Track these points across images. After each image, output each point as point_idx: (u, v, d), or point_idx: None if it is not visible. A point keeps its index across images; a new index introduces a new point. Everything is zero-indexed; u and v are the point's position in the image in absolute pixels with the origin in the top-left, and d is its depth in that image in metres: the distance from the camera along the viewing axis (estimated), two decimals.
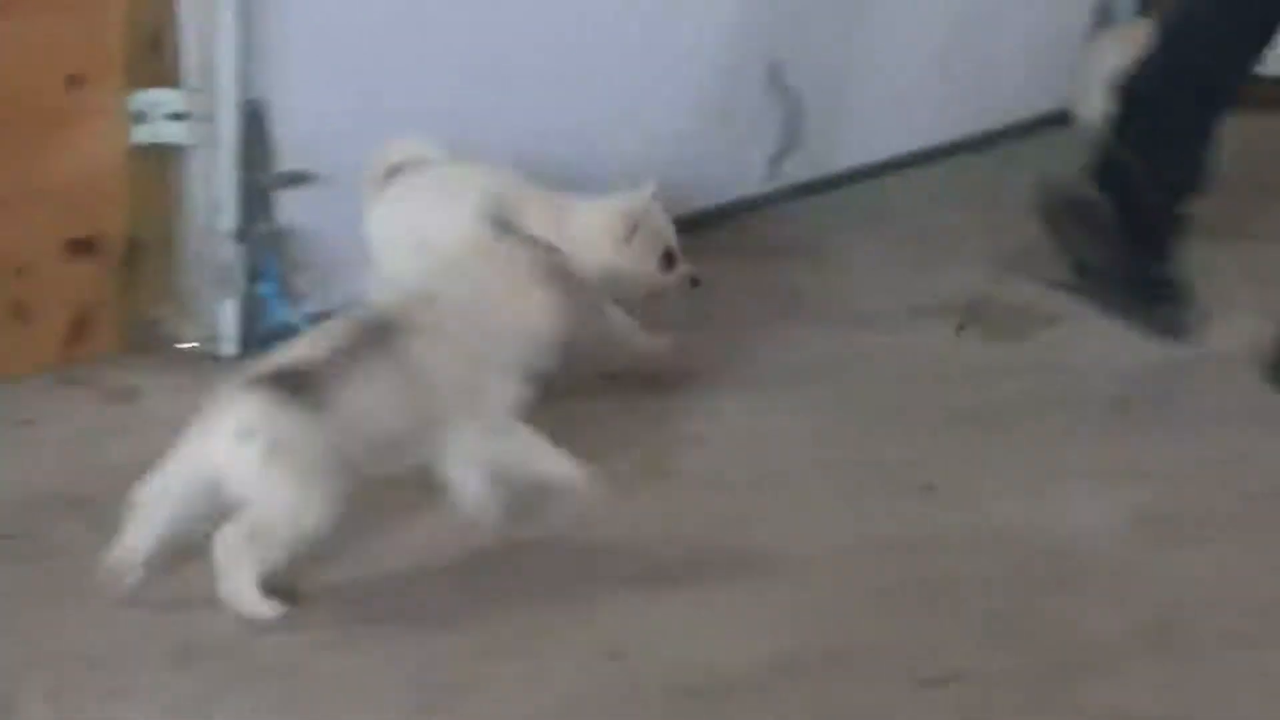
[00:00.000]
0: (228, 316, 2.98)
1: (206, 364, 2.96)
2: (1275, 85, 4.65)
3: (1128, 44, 4.75)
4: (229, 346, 2.98)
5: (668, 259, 2.74)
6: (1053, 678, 2.00)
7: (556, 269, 2.33)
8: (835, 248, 3.60)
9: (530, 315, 2.28)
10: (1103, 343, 3.06)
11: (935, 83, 4.38)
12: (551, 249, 2.38)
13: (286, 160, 3.06)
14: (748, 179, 3.80)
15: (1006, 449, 2.61)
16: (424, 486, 2.27)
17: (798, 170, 3.87)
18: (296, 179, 3.05)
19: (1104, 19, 4.89)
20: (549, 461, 2.27)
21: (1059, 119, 4.67)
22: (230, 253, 2.98)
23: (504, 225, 2.55)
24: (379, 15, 3.17)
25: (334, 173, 3.08)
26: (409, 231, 2.77)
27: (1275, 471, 2.52)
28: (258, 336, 2.99)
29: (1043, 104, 4.66)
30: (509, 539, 2.29)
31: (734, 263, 3.53)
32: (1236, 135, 4.57)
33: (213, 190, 2.97)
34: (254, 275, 3.00)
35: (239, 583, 2.09)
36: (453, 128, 3.30)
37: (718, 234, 3.69)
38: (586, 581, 2.22)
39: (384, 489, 2.25)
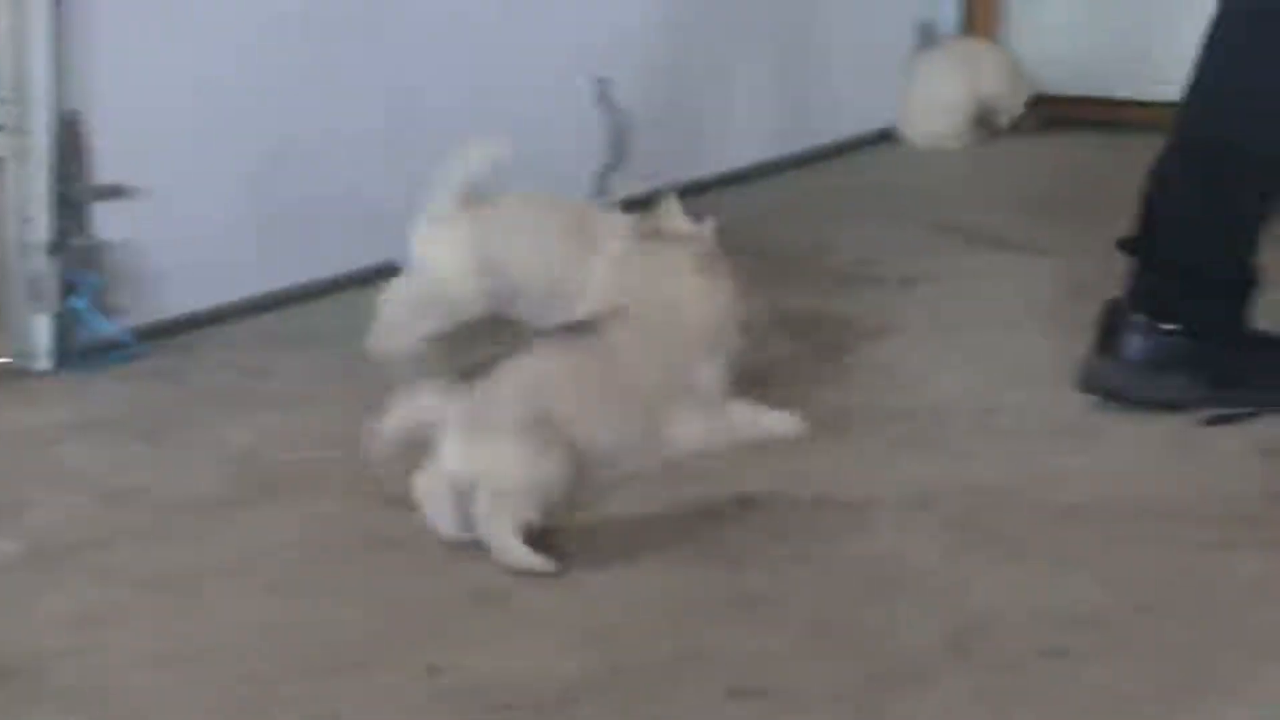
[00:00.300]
0: (41, 331, 2.93)
1: (20, 379, 2.91)
2: (1108, 106, 4.78)
3: (952, 65, 4.85)
4: (43, 361, 2.93)
5: None
6: (867, 689, 2.00)
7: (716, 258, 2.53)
8: None
9: (716, 304, 2.49)
10: (927, 358, 3.10)
11: (764, 100, 4.42)
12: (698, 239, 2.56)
13: (104, 173, 3.02)
14: (574, 195, 3.80)
15: (830, 462, 2.63)
16: None
17: (625, 186, 3.88)
18: (113, 192, 3.00)
19: (927, 40, 4.96)
20: (767, 420, 2.47)
21: (886, 137, 4.74)
22: (43, 266, 2.92)
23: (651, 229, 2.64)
24: (199, 28, 3.13)
25: (153, 186, 3.04)
26: (482, 259, 2.86)
27: (1087, 486, 2.55)
28: (73, 351, 2.94)
29: (871, 122, 4.73)
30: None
31: None
32: (1065, 154, 4.70)
33: (26, 203, 2.92)
34: (69, 289, 2.95)
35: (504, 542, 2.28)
36: (272, 143, 3.28)
37: None
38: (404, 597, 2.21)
39: None
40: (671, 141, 4.03)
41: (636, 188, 3.66)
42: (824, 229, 3.92)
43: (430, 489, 2.32)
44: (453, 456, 2.28)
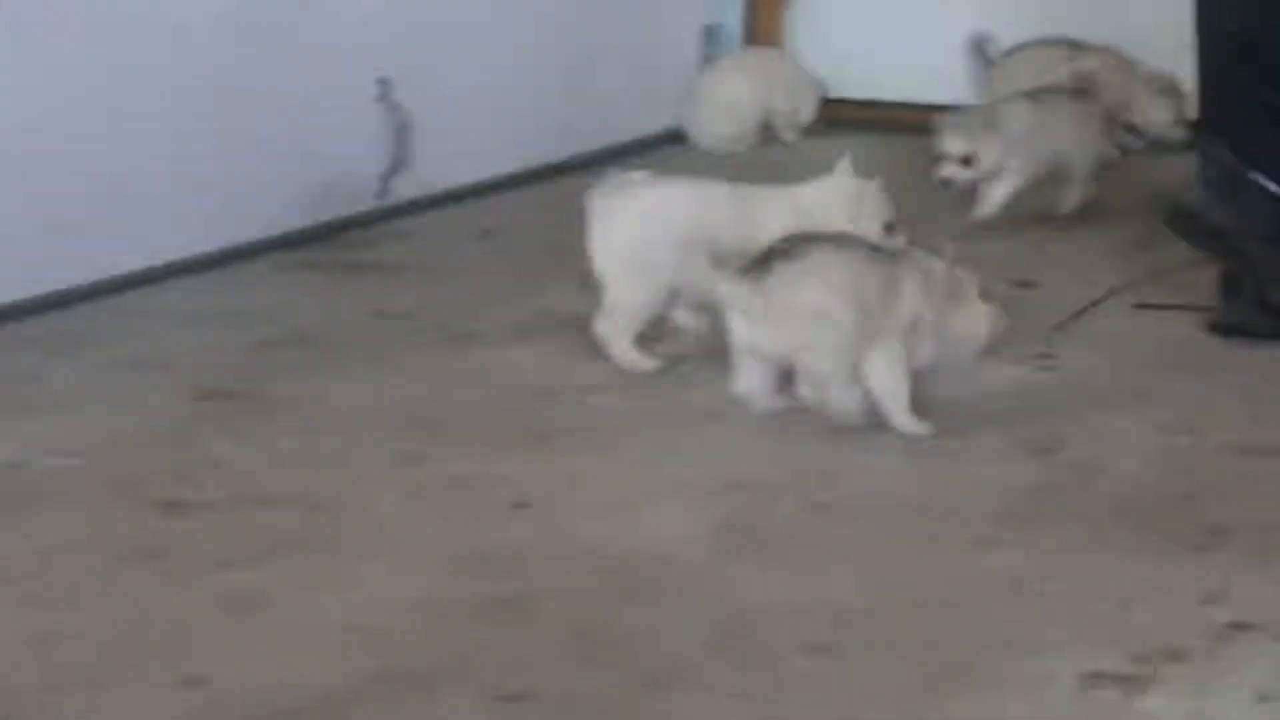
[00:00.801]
0: None
1: None
2: (886, 109, 4.85)
3: (740, 68, 4.90)
4: None
5: (888, 228, 3.07)
6: (632, 690, 2.01)
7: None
8: (445, 265, 3.59)
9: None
10: (705, 360, 3.11)
11: (550, 101, 4.42)
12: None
13: None
14: (358, 196, 3.77)
15: (604, 465, 2.63)
16: None
17: (408, 188, 3.86)
18: None
19: (712, 43, 5.00)
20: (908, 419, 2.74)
21: (674, 138, 4.76)
22: None
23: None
24: None
25: None
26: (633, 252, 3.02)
27: (856, 484, 2.58)
28: None
29: (657, 124, 4.74)
30: None
31: (340, 280, 3.50)
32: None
33: None
34: None
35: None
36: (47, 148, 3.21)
37: (326, 252, 3.66)
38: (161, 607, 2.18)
39: None
40: (456, 143, 4.01)
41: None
42: None
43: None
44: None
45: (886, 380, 2.74)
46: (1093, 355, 3.11)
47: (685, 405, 2.88)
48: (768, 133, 4.85)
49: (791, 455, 2.68)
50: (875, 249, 2.84)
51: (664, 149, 4.70)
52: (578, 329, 3.18)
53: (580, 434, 2.74)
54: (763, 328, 2.72)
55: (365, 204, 3.79)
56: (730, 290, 2.72)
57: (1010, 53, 4.69)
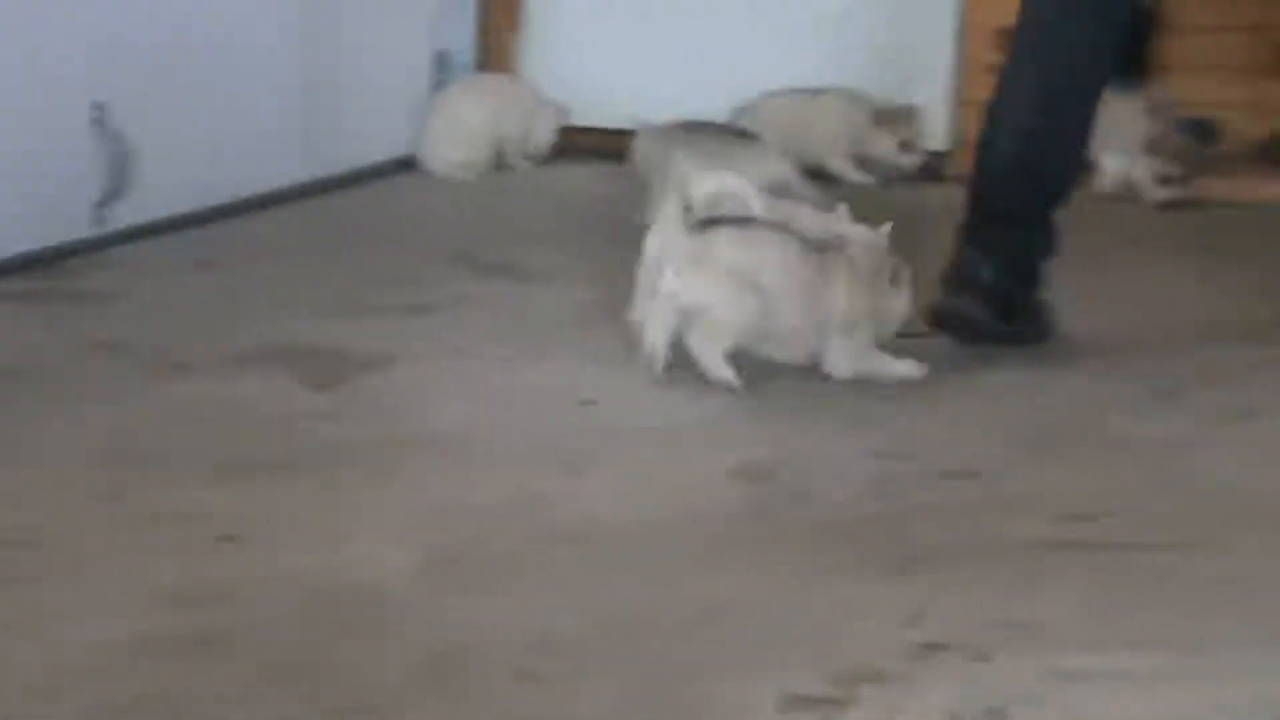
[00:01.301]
0: None
1: None
2: (614, 137, 4.88)
3: (473, 95, 4.89)
4: None
5: None
6: None
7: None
8: (162, 294, 3.53)
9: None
10: (428, 386, 3.10)
11: (278, 127, 4.37)
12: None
13: None
14: (73, 223, 3.68)
15: (316, 495, 2.60)
16: None
17: (127, 214, 3.78)
18: None
19: (444, 69, 5.00)
20: (899, 367, 3.10)
21: (407, 165, 4.75)
22: None
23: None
24: None
25: None
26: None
27: (574, 509, 2.58)
28: None
29: (391, 150, 4.72)
30: None
31: (53, 310, 3.42)
32: (575, 185, 4.79)
33: None
34: None
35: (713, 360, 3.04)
36: None
37: (40, 281, 3.57)
38: None
39: None
40: (178, 169, 3.94)
41: None
42: (334, 257, 3.89)
43: (651, 312, 3.03)
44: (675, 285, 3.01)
45: (853, 370, 3.09)
46: (809, 381, 3.15)
47: (404, 434, 2.86)
48: (500, 159, 4.85)
49: (509, 483, 2.67)
50: (810, 240, 3.09)
51: (396, 176, 4.68)
52: (296, 359, 3.15)
53: (294, 465, 2.70)
54: (689, 278, 3.00)
55: (81, 232, 3.70)
56: (673, 240, 3.03)
57: (756, 103, 4.78)
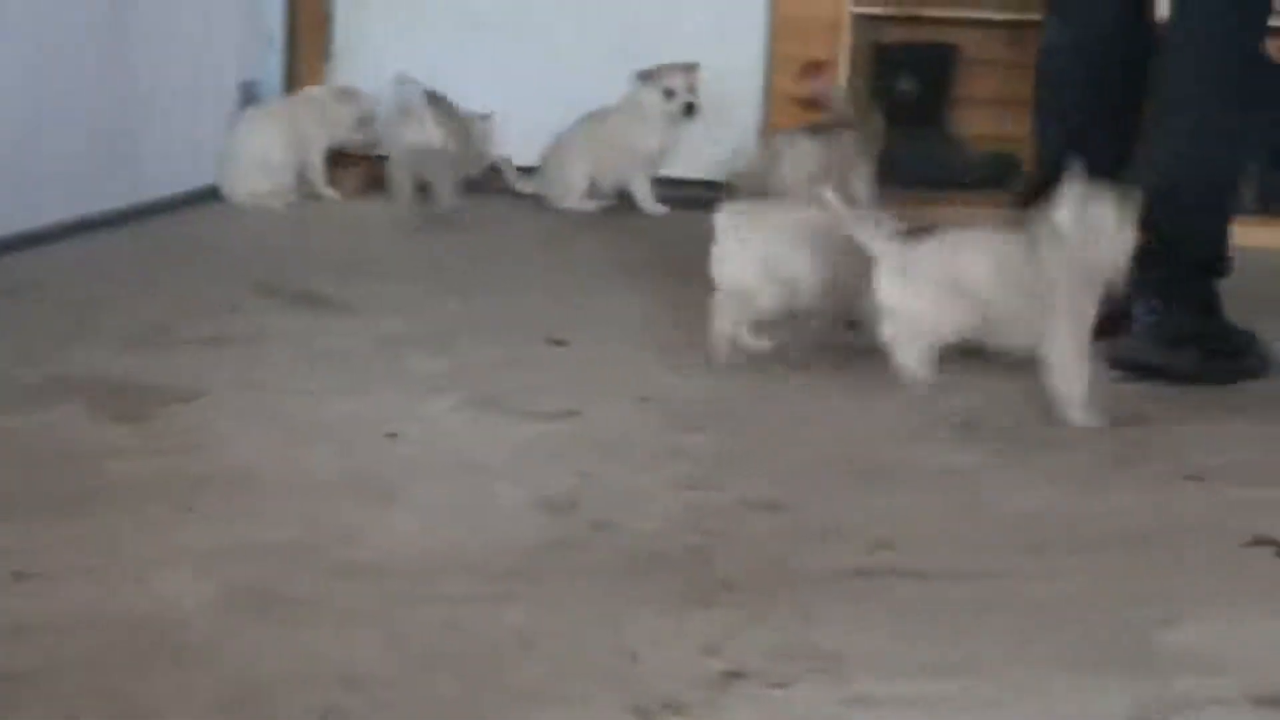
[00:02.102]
0: None
1: None
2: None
3: (276, 123, 4.85)
4: None
5: None
6: None
7: None
8: None
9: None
10: (231, 420, 3.07)
11: (83, 155, 4.32)
12: None
13: None
14: None
15: (115, 530, 2.55)
16: None
17: None
18: None
19: (249, 99, 4.96)
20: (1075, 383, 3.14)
21: (212, 195, 4.70)
22: None
23: None
24: None
25: None
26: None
27: (378, 543, 2.56)
28: None
29: (196, 180, 4.68)
30: None
31: None
32: (383, 214, 4.77)
33: None
34: None
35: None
36: None
37: None
38: None
39: None
40: None
41: None
42: (135, 289, 3.84)
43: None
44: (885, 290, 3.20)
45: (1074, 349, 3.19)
46: (618, 410, 3.17)
47: (206, 468, 2.82)
48: (307, 188, 4.82)
49: (314, 516, 2.65)
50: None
51: (202, 206, 4.63)
52: (97, 391, 3.11)
53: (91, 500, 2.66)
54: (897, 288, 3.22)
55: None
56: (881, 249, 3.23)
57: None
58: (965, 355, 3.33)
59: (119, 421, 3.00)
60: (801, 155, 4.49)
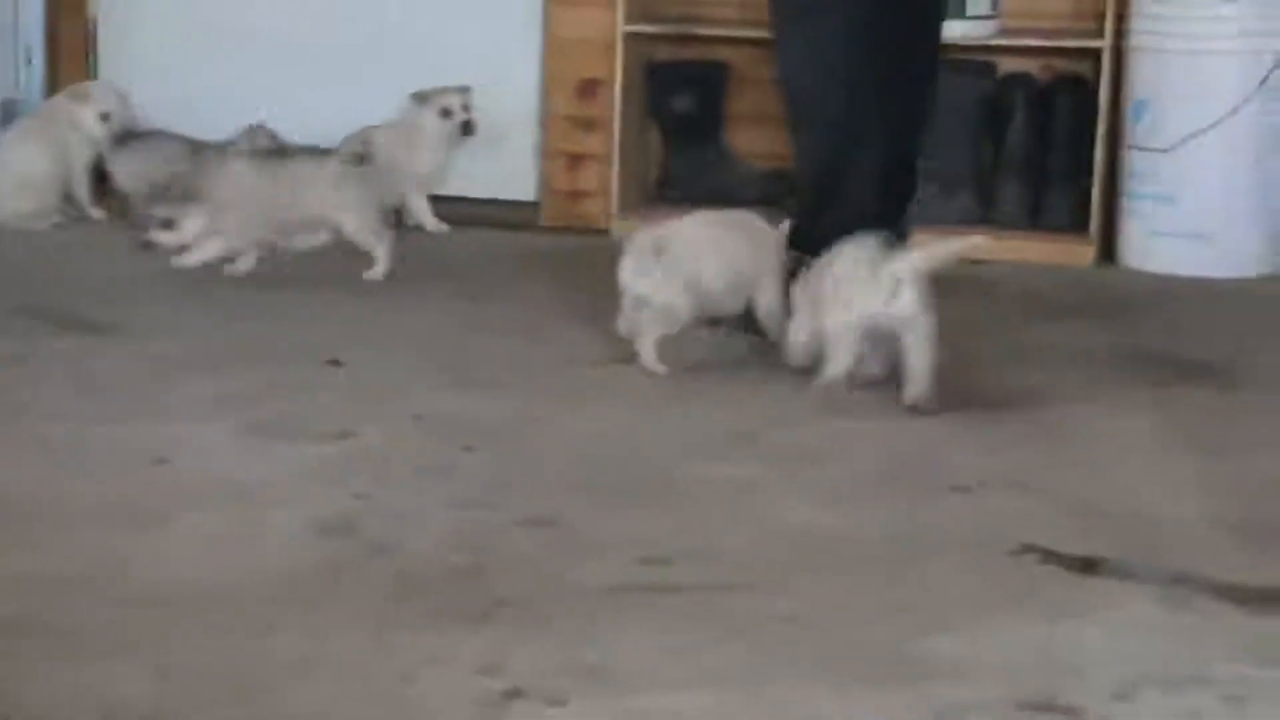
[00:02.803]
0: None
1: None
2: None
3: (30, 140, 4.75)
4: None
5: None
6: None
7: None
8: None
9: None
10: None
11: None
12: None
13: None
14: None
15: None
16: None
17: None
18: None
19: (9, 117, 4.87)
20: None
21: None
22: None
23: None
24: None
25: None
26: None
27: (149, 573, 2.52)
28: None
29: None
30: None
31: None
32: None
33: None
34: None
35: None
36: None
37: None
38: None
39: None
40: None
41: None
42: None
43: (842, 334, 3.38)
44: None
45: None
46: (396, 432, 3.15)
47: None
48: (74, 208, 4.74)
49: (80, 545, 2.60)
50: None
51: None
52: None
53: None
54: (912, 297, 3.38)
55: None
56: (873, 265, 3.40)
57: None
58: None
59: None
60: None
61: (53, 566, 2.52)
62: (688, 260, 3.52)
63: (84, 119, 4.68)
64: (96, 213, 4.77)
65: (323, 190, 4.10)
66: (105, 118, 4.69)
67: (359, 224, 4.15)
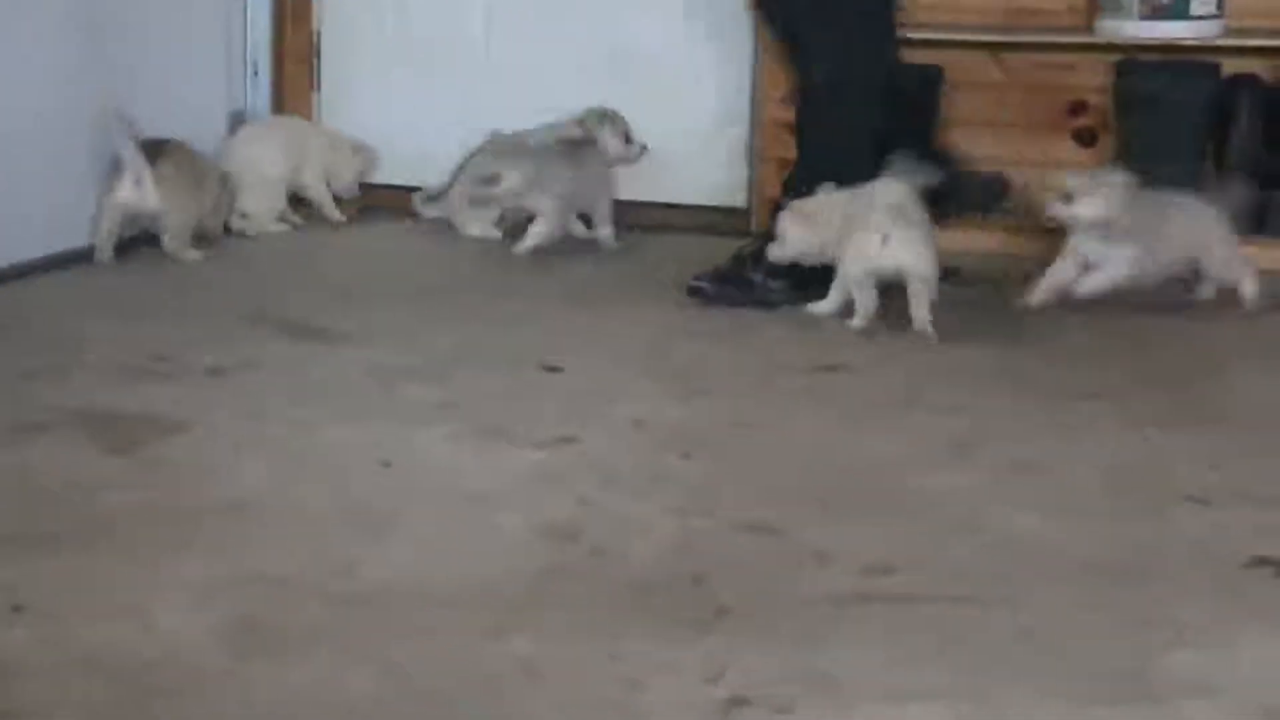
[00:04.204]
0: None
1: None
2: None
3: (266, 144, 4.84)
4: None
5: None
6: None
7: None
8: None
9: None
10: (228, 451, 3.06)
11: (74, 189, 4.32)
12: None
13: None
14: None
15: (112, 564, 2.55)
16: None
17: None
18: None
19: (234, 131, 4.95)
20: None
21: None
22: None
23: None
24: None
25: None
26: None
27: (378, 574, 2.56)
28: None
29: None
30: None
31: None
32: (373, 243, 4.76)
33: None
34: None
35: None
36: None
37: None
38: None
39: None
40: None
41: None
42: (125, 322, 3.83)
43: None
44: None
45: None
46: (612, 438, 3.17)
47: (203, 500, 2.82)
48: (312, 210, 4.83)
49: (307, 548, 2.65)
50: None
51: None
52: (91, 424, 3.10)
53: (87, 533, 2.66)
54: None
55: None
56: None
57: None
58: None
59: (114, 454, 3.00)
60: None
61: (283, 568, 2.57)
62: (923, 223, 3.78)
63: (346, 168, 4.81)
64: (337, 215, 4.84)
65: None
66: (362, 176, 4.86)
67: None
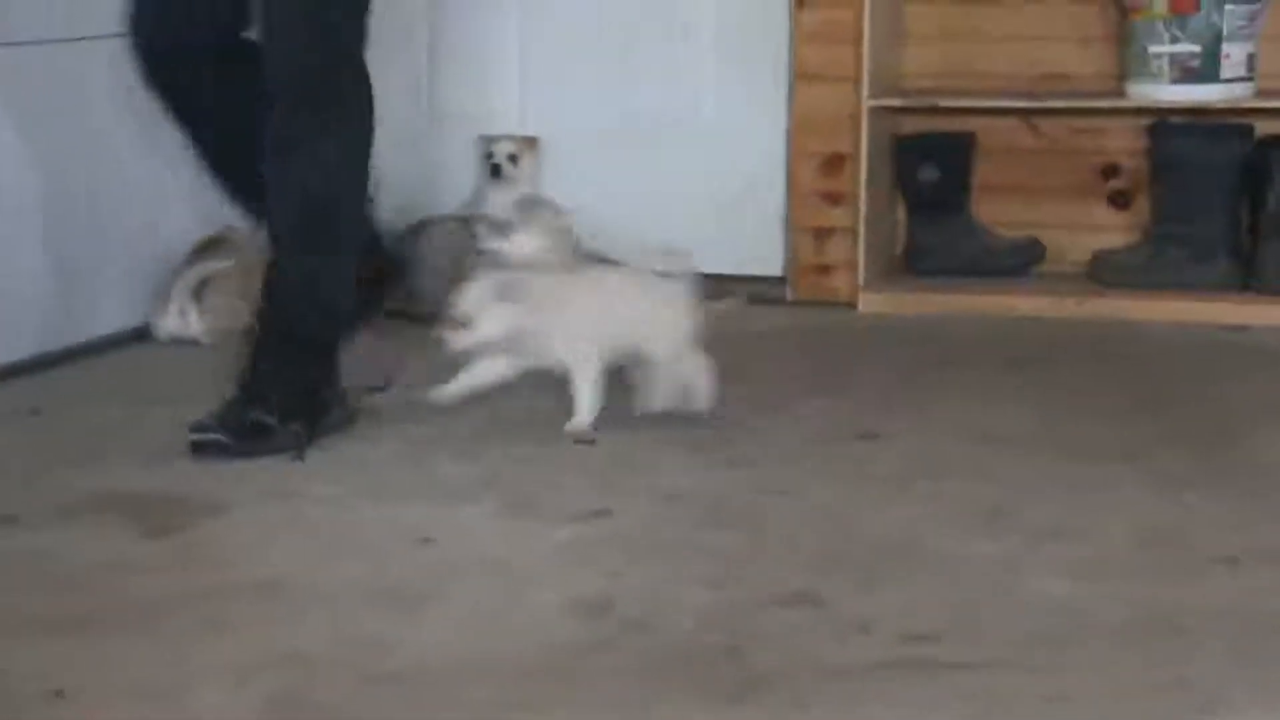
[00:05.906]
0: None
1: None
2: None
3: None
4: None
5: None
6: None
7: None
8: None
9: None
10: (261, 531, 3.08)
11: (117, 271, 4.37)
12: None
13: None
14: None
15: (148, 646, 2.56)
16: None
17: None
18: None
19: None
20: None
21: None
22: None
23: None
24: None
25: None
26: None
27: (411, 651, 2.56)
28: None
29: None
30: None
31: None
32: None
33: None
34: None
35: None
36: None
37: None
38: None
39: None
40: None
41: None
42: (150, 407, 3.84)
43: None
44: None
45: None
46: (648, 510, 3.17)
47: (238, 580, 2.83)
48: None
49: (343, 626, 2.65)
50: None
51: None
52: (127, 507, 3.12)
53: (124, 615, 2.67)
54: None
55: None
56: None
57: None
58: None
59: (148, 537, 3.02)
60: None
61: (319, 645, 2.57)
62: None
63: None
64: None
65: None
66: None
67: None
